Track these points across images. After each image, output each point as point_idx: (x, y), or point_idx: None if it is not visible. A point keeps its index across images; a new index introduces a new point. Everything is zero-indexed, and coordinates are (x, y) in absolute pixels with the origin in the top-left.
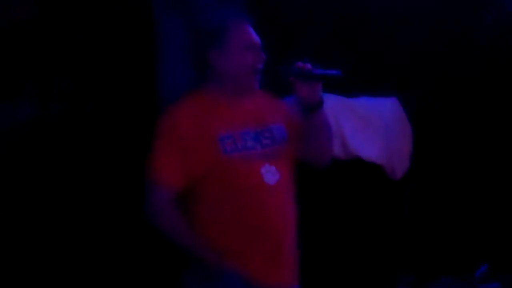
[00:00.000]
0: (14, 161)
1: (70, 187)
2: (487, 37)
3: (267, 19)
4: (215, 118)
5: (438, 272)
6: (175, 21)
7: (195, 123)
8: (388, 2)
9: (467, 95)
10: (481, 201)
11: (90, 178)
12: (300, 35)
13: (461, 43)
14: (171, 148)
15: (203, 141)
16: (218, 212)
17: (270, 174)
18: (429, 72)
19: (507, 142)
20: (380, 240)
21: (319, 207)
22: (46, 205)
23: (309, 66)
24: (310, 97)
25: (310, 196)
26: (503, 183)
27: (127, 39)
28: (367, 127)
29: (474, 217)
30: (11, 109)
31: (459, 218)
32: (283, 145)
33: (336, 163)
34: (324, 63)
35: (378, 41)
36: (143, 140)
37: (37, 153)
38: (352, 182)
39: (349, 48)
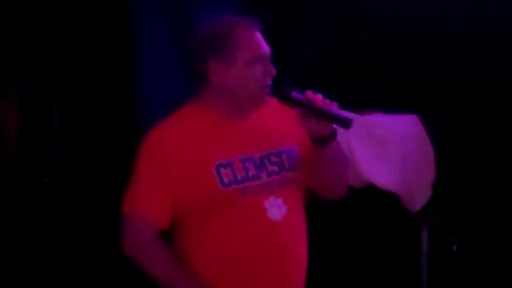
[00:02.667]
0: None
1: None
2: None
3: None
4: (211, 142)
5: None
6: (157, 21)
7: (185, 148)
8: (409, 6)
9: (501, 114)
10: None
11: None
12: (308, 43)
13: (493, 53)
14: (155, 179)
15: (195, 170)
16: (210, 256)
17: (275, 208)
18: (456, 86)
19: None
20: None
21: (324, 244)
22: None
23: (319, 98)
24: (319, 130)
25: (316, 231)
26: None
27: (101, 39)
28: (382, 150)
29: None
30: None
31: (496, 266)
32: (292, 172)
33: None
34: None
35: (395, 49)
36: (120, 163)
37: None
38: (362, 214)
39: (362, 59)
